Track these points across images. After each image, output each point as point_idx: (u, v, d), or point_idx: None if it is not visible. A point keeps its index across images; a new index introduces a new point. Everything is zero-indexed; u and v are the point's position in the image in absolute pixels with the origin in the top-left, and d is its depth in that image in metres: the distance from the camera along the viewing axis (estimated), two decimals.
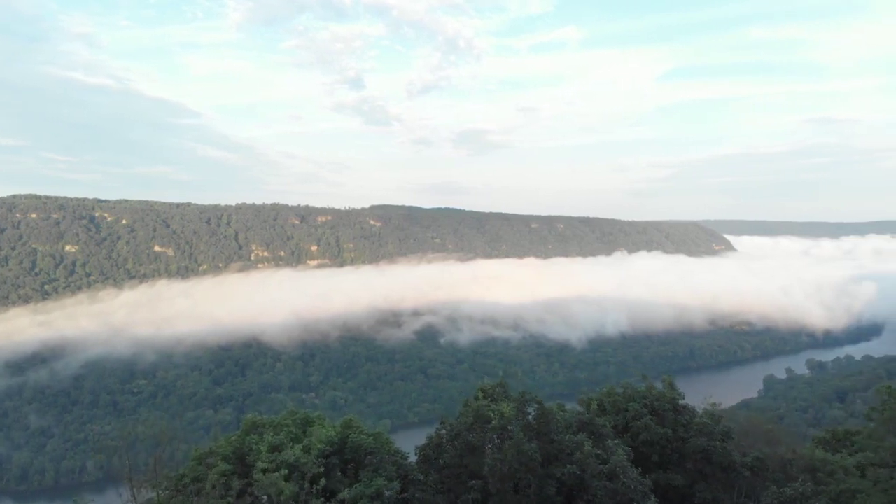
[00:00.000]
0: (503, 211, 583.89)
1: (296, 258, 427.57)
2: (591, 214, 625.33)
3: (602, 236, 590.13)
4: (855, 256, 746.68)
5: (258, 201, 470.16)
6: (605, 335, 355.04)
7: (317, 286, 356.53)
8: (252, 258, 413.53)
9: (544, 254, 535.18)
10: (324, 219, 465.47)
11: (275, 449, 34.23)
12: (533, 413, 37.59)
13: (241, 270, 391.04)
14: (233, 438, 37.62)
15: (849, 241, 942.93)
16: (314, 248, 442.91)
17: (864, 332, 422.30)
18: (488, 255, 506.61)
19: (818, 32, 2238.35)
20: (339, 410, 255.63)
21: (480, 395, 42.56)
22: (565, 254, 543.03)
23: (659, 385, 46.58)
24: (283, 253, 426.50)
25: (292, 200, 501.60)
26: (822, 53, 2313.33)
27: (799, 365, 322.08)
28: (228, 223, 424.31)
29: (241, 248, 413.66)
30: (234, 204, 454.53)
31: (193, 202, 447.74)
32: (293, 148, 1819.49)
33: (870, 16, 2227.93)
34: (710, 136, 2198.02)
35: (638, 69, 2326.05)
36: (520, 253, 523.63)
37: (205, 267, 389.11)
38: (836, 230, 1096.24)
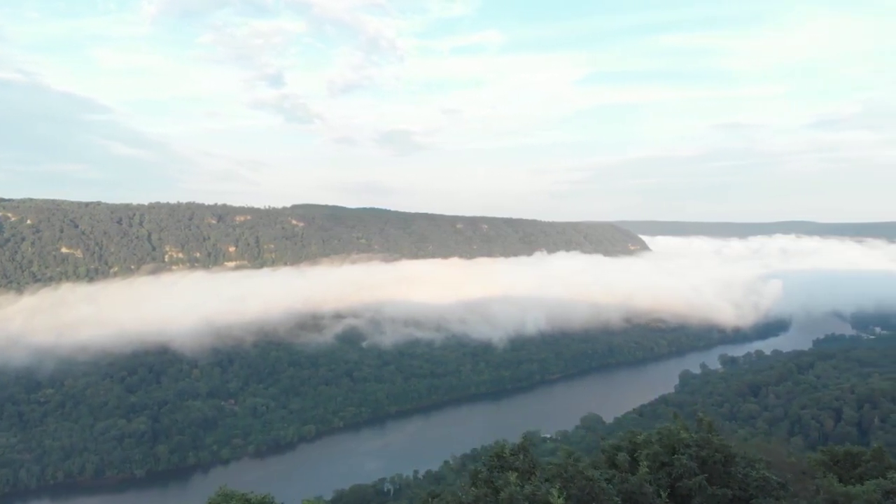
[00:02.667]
0: (429, 211, 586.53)
1: (212, 259, 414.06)
2: (514, 215, 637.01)
3: (524, 237, 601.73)
4: (762, 256, 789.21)
5: (172, 200, 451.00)
6: (526, 334, 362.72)
7: (231, 289, 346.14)
8: (166, 260, 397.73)
9: (469, 254, 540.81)
10: (242, 218, 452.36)
11: None
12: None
13: (153, 272, 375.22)
14: None
15: (756, 241, 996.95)
16: (232, 248, 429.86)
17: (772, 327, 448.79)
18: (414, 256, 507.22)
19: (727, 41, 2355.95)
20: (260, 417, 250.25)
21: (494, 460, 33.32)
22: (489, 254, 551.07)
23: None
24: (198, 254, 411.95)
25: (209, 200, 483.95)
26: (730, 61, 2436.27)
27: (712, 360, 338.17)
28: (141, 223, 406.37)
29: (154, 249, 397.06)
30: (146, 203, 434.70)
31: (104, 201, 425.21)
32: (210, 146, 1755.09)
33: (775, 25, 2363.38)
34: (625, 139, 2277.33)
35: (557, 74, 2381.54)
36: (445, 253, 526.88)
37: (115, 269, 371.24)
38: (744, 230, 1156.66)
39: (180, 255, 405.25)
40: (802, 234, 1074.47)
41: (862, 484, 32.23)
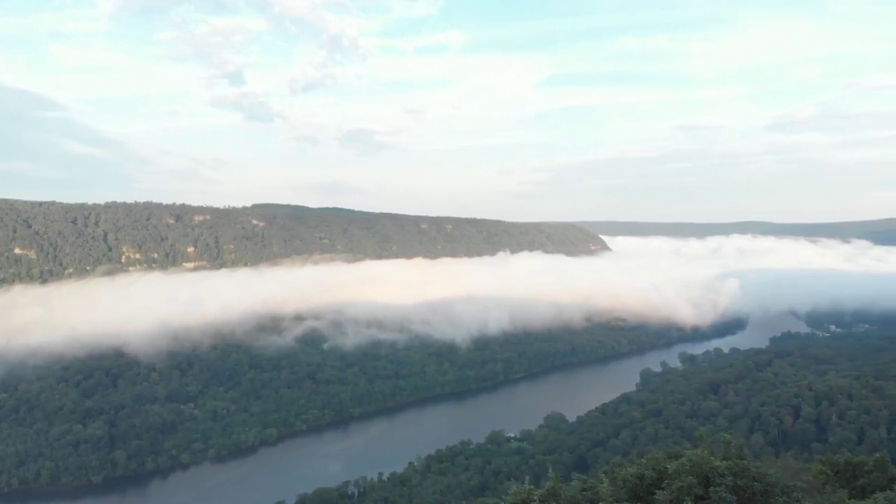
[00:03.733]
0: (393, 211, 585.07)
1: (171, 260, 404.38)
2: (478, 216, 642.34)
3: (488, 237, 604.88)
4: (720, 255, 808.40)
5: (130, 200, 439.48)
6: (489, 334, 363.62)
7: (189, 290, 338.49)
8: (123, 260, 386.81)
9: (433, 254, 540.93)
10: (201, 218, 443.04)
11: None
12: None
13: (109, 274, 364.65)
14: None
15: (714, 241, 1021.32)
16: (191, 249, 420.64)
17: (730, 326, 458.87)
18: (378, 256, 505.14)
19: (686, 43, 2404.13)
20: (220, 421, 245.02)
21: None
22: (453, 254, 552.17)
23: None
24: (156, 255, 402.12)
25: (167, 199, 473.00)
26: (689, 63, 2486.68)
27: (672, 358, 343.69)
28: (97, 223, 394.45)
29: (110, 249, 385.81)
30: (103, 203, 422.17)
31: (58, 201, 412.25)
32: (169, 144, 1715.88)
33: (733, 29, 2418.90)
34: (586, 141, 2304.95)
35: (519, 75, 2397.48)
36: (409, 253, 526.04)
37: (70, 270, 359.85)
38: (702, 231, 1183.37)
39: (137, 255, 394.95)
40: (759, 234, 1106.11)
41: (868, 497, 30.96)
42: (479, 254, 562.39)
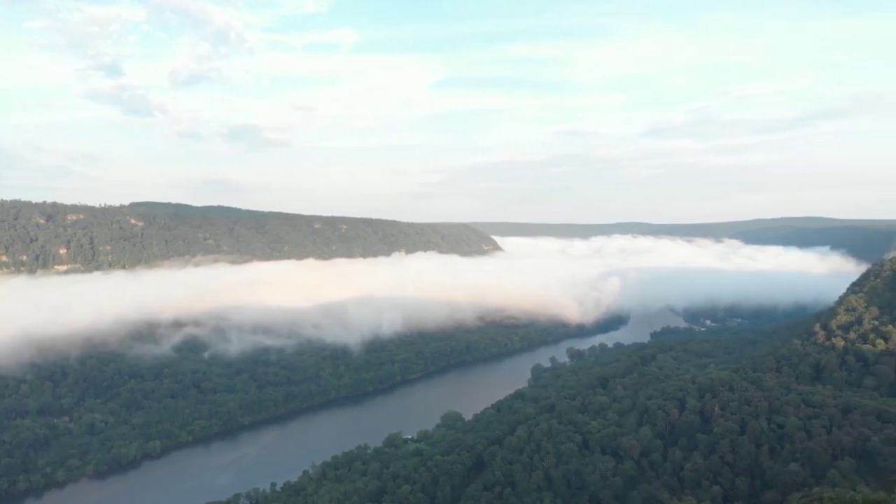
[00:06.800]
0: (285, 211, 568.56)
1: (41, 263, 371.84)
2: (375, 216, 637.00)
3: (384, 237, 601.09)
4: (603, 255, 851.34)
5: None
6: (382, 335, 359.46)
7: (56, 296, 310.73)
8: None
9: (328, 254, 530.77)
10: (75, 217, 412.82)
11: None
12: None
13: None
14: None
15: (597, 241, 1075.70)
16: (63, 251, 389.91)
17: (613, 322, 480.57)
18: (268, 257, 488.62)
19: (571, 51, 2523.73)
20: (98, 435, 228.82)
21: None
22: (349, 254, 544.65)
23: None
24: (25, 257, 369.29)
25: (37, 197, 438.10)
26: (573, 71, 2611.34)
27: (561, 354, 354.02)
28: None
29: None
30: None
31: None
32: (40, 139, 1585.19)
33: (614, 39, 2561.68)
34: (477, 143, 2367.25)
35: (412, 76, 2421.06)
36: (301, 254, 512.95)
37: None
38: (586, 231, 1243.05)
39: (4, 258, 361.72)
40: (638, 234, 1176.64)
41: None
42: (375, 254, 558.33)
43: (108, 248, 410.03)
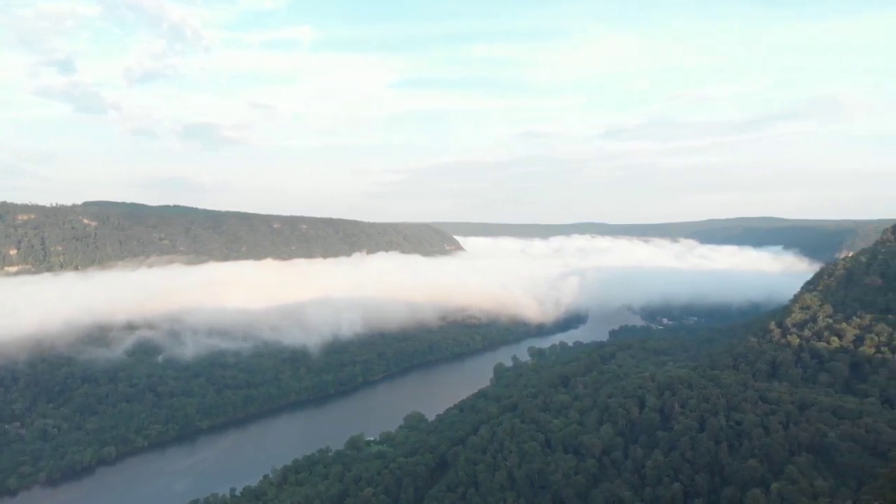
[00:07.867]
0: (243, 210, 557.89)
1: None
2: (335, 216, 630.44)
3: (346, 237, 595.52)
4: (562, 255, 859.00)
5: None
6: (343, 337, 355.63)
7: (4, 298, 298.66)
8: None
9: (287, 255, 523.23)
10: (26, 217, 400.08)
11: None
12: None
13: None
14: None
15: (557, 241, 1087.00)
16: (13, 251, 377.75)
17: (572, 320, 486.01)
18: (225, 258, 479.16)
19: (530, 53, 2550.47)
20: (51, 441, 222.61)
21: None
22: (309, 255, 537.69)
23: None
24: None
25: None
26: (533, 72, 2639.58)
27: (522, 352, 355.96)
28: None
29: None
30: None
31: None
32: None
33: (573, 41, 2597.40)
34: (438, 144, 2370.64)
35: (372, 75, 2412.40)
36: (260, 254, 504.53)
37: None
38: (546, 231, 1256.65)
39: None
40: (596, 234, 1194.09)
41: None
42: (336, 254, 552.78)
43: (60, 248, 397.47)
